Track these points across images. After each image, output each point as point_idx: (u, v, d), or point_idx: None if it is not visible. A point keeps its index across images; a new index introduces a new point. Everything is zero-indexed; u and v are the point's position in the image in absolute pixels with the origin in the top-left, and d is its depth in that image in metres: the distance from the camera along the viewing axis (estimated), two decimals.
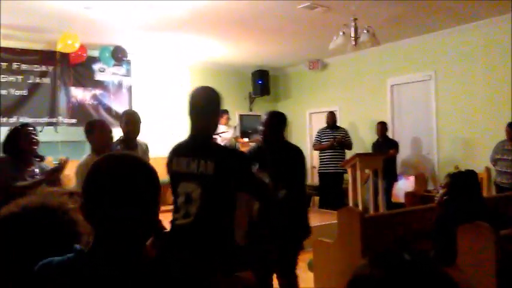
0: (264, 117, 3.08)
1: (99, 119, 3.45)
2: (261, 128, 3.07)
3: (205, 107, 2.25)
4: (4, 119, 6.61)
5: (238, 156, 2.36)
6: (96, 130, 3.18)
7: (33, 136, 3.20)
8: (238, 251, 2.32)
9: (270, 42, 7.18)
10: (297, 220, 2.94)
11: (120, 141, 3.56)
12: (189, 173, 2.18)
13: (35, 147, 3.22)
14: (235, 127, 7.90)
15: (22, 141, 3.15)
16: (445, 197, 2.92)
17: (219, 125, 2.41)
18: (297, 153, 3.06)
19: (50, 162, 6.22)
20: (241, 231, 2.58)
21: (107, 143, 3.16)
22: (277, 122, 3.06)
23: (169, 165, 2.31)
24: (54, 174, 3.21)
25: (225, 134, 7.07)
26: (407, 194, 6.56)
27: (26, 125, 3.39)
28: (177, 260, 2.15)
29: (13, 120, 6.62)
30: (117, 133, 3.62)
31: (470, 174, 3.04)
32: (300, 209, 3.01)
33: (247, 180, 2.27)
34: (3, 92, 6.65)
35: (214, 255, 2.14)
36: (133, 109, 3.50)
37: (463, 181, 2.96)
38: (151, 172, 1.06)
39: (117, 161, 1.06)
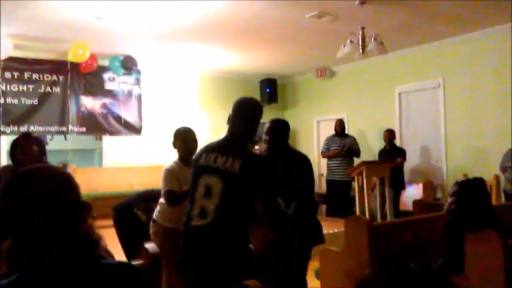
0: (266, 125, 3.07)
1: (185, 128, 3.43)
2: (264, 136, 3.06)
3: (245, 113, 2.33)
4: (15, 128, 6.71)
5: (265, 162, 2.39)
6: (179, 139, 3.21)
7: (26, 148, 3.19)
8: (253, 259, 2.31)
9: (278, 51, 7.22)
10: (307, 227, 2.94)
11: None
12: (214, 168, 2.19)
13: (30, 158, 3.20)
14: None
15: (18, 151, 3.19)
16: (453, 206, 2.90)
17: (254, 134, 2.42)
18: (303, 161, 3.06)
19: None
20: (262, 243, 2.58)
21: (190, 152, 3.13)
22: (280, 129, 3.04)
23: (197, 160, 2.32)
24: None
25: None
26: (416, 202, 6.51)
27: (25, 135, 3.40)
28: (194, 265, 2.16)
29: (23, 129, 6.72)
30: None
31: (478, 182, 3.01)
32: (309, 216, 3.01)
33: (265, 187, 2.24)
34: (14, 101, 6.75)
35: (231, 262, 2.13)
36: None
37: (471, 189, 2.93)
38: (65, 179, 1.11)
39: (27, 175, 1.11)
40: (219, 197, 2.12)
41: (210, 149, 2.31)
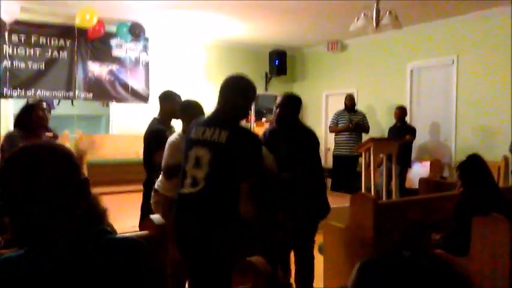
0: (278, 99, 3.07)
1: (191, 101, 3.45)
2: (275, 110, 3.06)
3: (232, 90, 2.40)
4: (22, 92, 6.68)
5: (252, 135, 2.44)
6: (186, 112, 3.21)
7: (44, 114, 3.24)
8: (244, 226, 2.40)
9: (289, 22, 7.06)
10: (313, 200, 2.97)
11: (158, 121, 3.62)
12: (203, 140, 2.30)
13: (44, 123, 3.26)
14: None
15: (35, 118, 3.21)
16: (461, 189, 2.95)
17: (245, 111, 2.48)
18: (310, 136, 3.07)
19: (66, 136, 6.34)
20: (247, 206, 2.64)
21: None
22: (292, 104, 3.04)
23: (189, 133, 2.44)
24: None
25: None
26: (422, 180, 6.48)
27: (40, 102, 3.43)
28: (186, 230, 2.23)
29: (30, 93, 6.69)
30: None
31: (473, 160, 3.07)
32: (316, 189, 3.02)
33: (254, 159, 2.33)
34: (21, 65, 6.70)
35: (221, 228, 2.23)
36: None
37: (469, 169, 2.99)
38: (62, 155, 1.05)
39: (25, 152, 1.05)
40: (207, 167, 2.24)
41: (199, 123, 2.42)
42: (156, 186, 3.22)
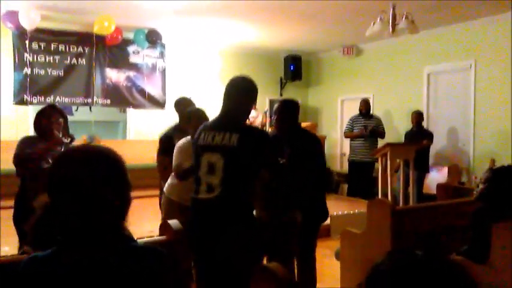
0: (276, 106, 3.10)
1: (198, 108, 3.54)
2: (273, 116, 3.08)
3: (238, 91, 2.41)
4: (41, 98, 6.81)
5: (261, 132, 2.49)
6: (194, 118, 3.24)
7: (53, 118, 3.23)
8: (259, 228, 2.40)
9: (304, 27, 7.07)
10: (315, 204, 2.99)
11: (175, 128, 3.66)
12: (213, 145, 2.30)
13: (57, 129, 3.24)
14: (265, 112, 7.89)
15: (43, 121, 3.22)
16: (484, 192, 2.82)
17: (249, 111, 2.53)
18: (313, 140, 3.09)
19: (84, 141, 6.43)
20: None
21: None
22: (289, 110, 3.05)
23: (197, 139, 2.43)
24: None
25: (254, 118, 7.26)
26: (440, 186, 6.40)
27: (52, 106, 3.44)
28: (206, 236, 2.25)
29: (50, 99, 6.82)
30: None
31: None
32: (317, 194, 3.04)
33: (267, 156, 2.34)
34: (41, 72, 6.84)
35: (240, 231, 2.24)
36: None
37: (505, 177, 2.85)
38: (113, 160, 1.10)
39: (74, 155, 1.09)
40: (222, 172, 2.24)
41: (207, 128, 2.41)
42: (164, 188, 3.31)
